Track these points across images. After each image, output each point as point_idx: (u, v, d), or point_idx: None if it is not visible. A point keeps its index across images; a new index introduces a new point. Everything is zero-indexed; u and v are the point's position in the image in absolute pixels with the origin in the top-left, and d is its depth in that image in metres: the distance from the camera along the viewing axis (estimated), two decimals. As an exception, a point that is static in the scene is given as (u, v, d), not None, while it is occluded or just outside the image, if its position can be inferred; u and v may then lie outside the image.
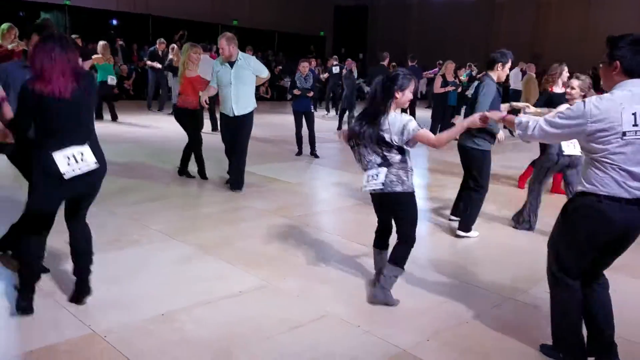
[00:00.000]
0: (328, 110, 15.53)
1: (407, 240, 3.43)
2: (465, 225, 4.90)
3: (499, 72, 4.74)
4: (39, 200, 3.03)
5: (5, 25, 5.55)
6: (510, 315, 3.42)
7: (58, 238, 3.94)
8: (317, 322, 3.20)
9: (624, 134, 2.45)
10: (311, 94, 8.32)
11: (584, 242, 2.66)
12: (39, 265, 3.25)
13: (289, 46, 21.34)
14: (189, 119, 6.40)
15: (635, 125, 2.44)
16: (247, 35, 21.62)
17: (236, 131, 5.91)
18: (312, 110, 8.43)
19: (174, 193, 5.89)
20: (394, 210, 3.49)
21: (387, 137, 3.27)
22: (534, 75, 12.38)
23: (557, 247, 2.78)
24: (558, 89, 5.63)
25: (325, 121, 13.43)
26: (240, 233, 4.73)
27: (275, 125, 12.07)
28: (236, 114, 5.84)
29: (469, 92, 4.96)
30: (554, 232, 2.83)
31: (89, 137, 3.05)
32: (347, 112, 11.51)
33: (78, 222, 3.26)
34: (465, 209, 4.96)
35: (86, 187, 3.12)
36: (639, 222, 2.58)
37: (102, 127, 8.16)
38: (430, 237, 4.99)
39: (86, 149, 3.01)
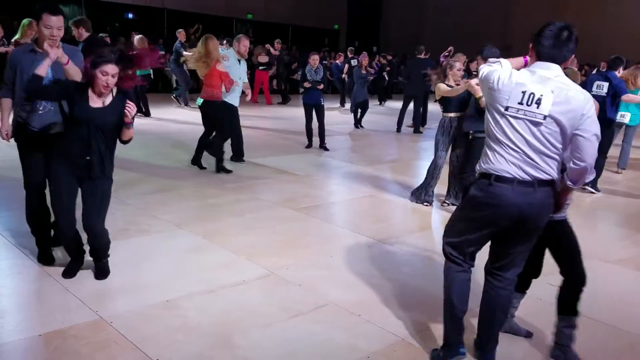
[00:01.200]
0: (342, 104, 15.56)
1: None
2: None
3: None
4: None
5: (25, 21, 5.62)
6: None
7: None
8: (318, 310, 3.24)
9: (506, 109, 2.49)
10: (321, 86, 8.34)
11: None
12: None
13: (303, 39, 21.33)
14: (220, 110, 6.48)
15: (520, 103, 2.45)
16: (261, 28, 21.70)
17: (234, 118, 6.87)
18: (322, 103, 8.45)
19: (184, 184, 5.96)
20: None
21: None
22: (575, 69, 12.24)
23: None
24: None
25: (340, 115, 13.44)
26: (246, 224, 4.79)
27: (286, 118, 12.11)
28: (237, 104, 6.80)
29: None
30: None
31: None
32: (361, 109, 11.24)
33: None
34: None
35: None
36: None
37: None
38: (429, 229, 5.00)
39: None
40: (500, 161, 2.52)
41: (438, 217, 5.34)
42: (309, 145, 8.54)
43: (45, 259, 3.70)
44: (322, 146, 8.47)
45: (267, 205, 5.38)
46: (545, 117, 2.42)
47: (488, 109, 2.61)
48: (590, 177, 2.61)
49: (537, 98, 2.42)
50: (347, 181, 6.76)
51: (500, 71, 2.56)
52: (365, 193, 6.09)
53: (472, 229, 2.65)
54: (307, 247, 4.30)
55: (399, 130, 10.98)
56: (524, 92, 2.45)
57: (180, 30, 13.21)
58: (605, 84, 6.60)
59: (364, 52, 12.85)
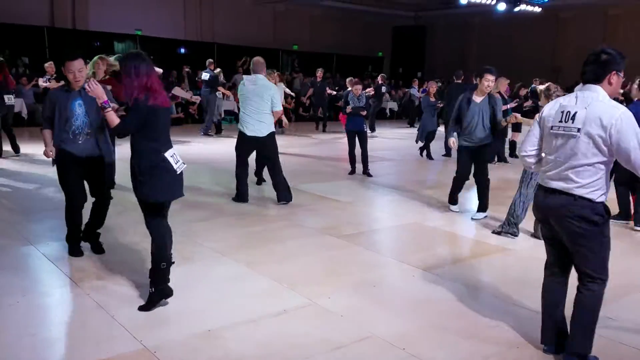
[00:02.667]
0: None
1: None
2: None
3: (480, 86, 5.91)
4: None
5: (96, 58, 6.02)
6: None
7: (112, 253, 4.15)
8: (360, 343, 3.16)
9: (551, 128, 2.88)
10: (364, 112, 8.35)
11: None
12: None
13: (347, 67, 21.55)
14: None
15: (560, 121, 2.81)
16: (306, 58, 22.10)
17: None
18: (365, 130, 8.44)
19: (226, 212, 6.04)
20: None
21: None
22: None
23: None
24: None
25: (380, 141, 13.40)
26: (288, 251, 4.78)
27: (329, 144, 12.17)
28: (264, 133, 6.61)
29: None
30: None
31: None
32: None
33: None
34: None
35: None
36: None
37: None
38: (475, 258, 4.83)
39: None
40: None
41: (486, 245, 5.17)
42: (352, 172, 8.52)
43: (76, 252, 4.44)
44: (366, 172, 8.43)
45: (310, 232, 5.36)
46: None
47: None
48: None
49: None
50: (391, 208, 6.67)
51: None
52: (409, 220, 5.98)
53: None
54: (349, 275, 4.23)
55: (447, 154, 10.82)
56: None
57: (211, 61, 13.75)
58: None
59: (432, 81, 12.40)
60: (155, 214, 3.56)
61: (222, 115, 14.89)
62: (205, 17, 21.31)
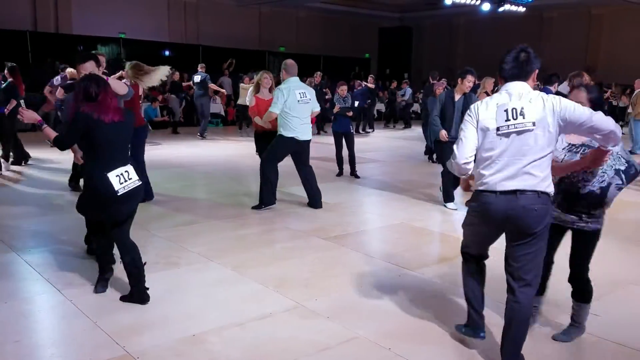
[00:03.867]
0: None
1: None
2: None
3: (460, 86, 6.24)
4: None
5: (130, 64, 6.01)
6: (551, 339, 3.26)
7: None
8: (346, 344, 3.15)
9: (498, 129, 2.70)
10: (350, 113, 8.37)
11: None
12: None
13: (334, 69, 21.57)
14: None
15: (507, 120, 2.68)
16: (294, 60, 22.02)
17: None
18: (352, 131, 8.45)
19: (213, 216, 6.00)
20: None
21: None
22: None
23: None
24: None
25: (370, 142, 13.42)
26: (275, 254, 4.76)
27: (315, 146, 12.14)
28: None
29: None
30: None
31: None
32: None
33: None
34: None
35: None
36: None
37: (151, 153, 8.43)
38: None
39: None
40: None
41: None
42: (340, 174, 8.51)
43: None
44: (353, 174, 8.43)
45: (297, 234, 5.34)
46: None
47: None
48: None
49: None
50: (379, 209, 6.68)
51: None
52: (396, 221, 5.99)
53: None
54: (336, 277, 4.22)
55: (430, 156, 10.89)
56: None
57: (202, 64, 13.80)
58: None
59: (442, 80, 12.12)
60: (96, 228, 3.67)
61: (209, 118, 14.82)
62: (189, 19, 21.23)
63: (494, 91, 7.77)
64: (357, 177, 8.38)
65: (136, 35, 18.62)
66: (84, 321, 3.37)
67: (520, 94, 2.70)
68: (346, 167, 8.49)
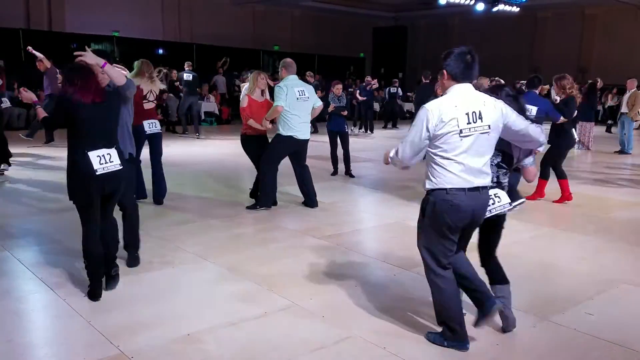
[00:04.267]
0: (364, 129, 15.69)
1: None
2: None
3: None
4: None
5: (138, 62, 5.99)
6: (546, 338, 3.27)
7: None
8: (341, 343, 3.15)
9: (460, 132, 2.80)
10: (345, 112, 8.37)
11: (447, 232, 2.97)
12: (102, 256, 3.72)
13: (329, 68, 21.57)
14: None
15: (469, 123, 2.81)
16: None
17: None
18: (347, 130, 8.45)
19: (207, 215, 5.98)
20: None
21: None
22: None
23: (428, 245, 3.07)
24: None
25: (364, 141, 13.43)
26: (270, 254, 4.75)
27: (310, 145, 12.13)
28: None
29: None
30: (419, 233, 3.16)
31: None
32: None
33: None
34: None
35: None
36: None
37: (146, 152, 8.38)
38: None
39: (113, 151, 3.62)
40: None
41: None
42: (335, 173, 8.51)
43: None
44: (348, 173, 8.43)
45: (291, 234, 5.34)
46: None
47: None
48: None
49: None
50: (373, 208, 6.69)
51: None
52: (391, 220, 6.00)
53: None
54: (330, 276, 4.22)
55: None
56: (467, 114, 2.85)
57: (189, 62, 13.76)
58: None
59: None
60: (80, 213, 3.64)
61: (203, 117, 14.79)
62: (183, 18, 21.17)
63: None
64: (352, 176, 8.39)
65: (130, 34, 18.54)
66: (78, 320, 3.36)
67: (474, 96, 2.89)
68: (341, 167, 8.49)
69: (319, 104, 6.30)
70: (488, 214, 3.08)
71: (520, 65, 21.97)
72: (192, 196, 6.97)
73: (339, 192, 7.43)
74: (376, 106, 20.40)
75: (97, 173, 3.48)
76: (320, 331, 3.29)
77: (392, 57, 24.73)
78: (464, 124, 2.81)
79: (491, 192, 3.09)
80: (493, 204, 3.10)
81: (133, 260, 4.32)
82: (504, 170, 3.24)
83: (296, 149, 6.19)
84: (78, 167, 3.51)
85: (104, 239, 3.72)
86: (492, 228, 3.29)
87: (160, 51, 19.36)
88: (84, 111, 3.46)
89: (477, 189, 2.89)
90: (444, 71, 2.95)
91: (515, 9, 19.81)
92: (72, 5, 18.13)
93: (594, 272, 4.42)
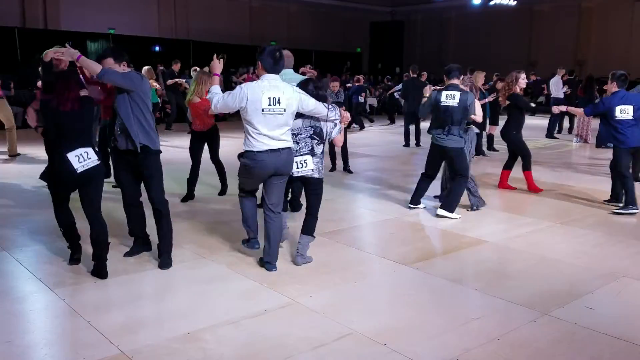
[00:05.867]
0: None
1: (317, 214, 4.45)
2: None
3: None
4: None
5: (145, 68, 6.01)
6: (546, 332, 3.28)
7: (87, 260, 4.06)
8: (341, 340, 3.15)
9: (262, 110, 3.88)
10: (343, 108, 8.32)
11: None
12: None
13: (326, 64, 21.52)
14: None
15: (269, 105, 3.88)
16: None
17: None
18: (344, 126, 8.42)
19: (205, 213, 5.97)
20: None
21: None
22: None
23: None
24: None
25: (361, 137, 13.41)
26: (269, 251, 4.74)
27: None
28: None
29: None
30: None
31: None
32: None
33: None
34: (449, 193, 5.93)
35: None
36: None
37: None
38: (455, 251, 4.85)
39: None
40: None
41: (464, 238, 5.19)
42: (333, 169, 8.50)
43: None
44: (346, 169, 8.42)
45: (290, 231, 5.32)
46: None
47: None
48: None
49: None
50: (372, 204, 6.67)
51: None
52: (390, 215, 5.99)
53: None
54: (330, 273, 4.22)
55: (407, 145, 11.67)
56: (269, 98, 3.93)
57: (177, 61, 13.65)
58: None
59: (465, 76, 12.15)
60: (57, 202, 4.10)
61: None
62: (179, 14, 21.10)
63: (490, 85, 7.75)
64: (350, 172, 8.38)
65: (126, 31, 18.47)
66: (77, 320, 3.35)
67: (276, 85, 3.92)
68: (339, 163, 8.48)
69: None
70: (296, 174, 4.24)
71: (518, 58, 21.96)
72: (182, 193, 6.92)
73: (337, 188, 7.41)
74: (373, 101, 20.43)
75: (78, 172, 3.85)
76: (321, 328, 3.28)
77: (389, 52, 24.70)
78: (266, 105, 3.86)
79: (301, 158, 4.23)
80: (300, 167, 4.23)
81: (164, 264, 4.30)
82: (317, 141, 4.30)
83: None
84: (59, 168, 3.87)
85: (94, 240, 4.01)
86: (307, 190, 4.44)
87: (157, 48, 19.29)
88: (62, 118, 3.81)
89: (277, 150, 3.96)
90: (259, 63, 3.94)
91: (512, 3, 19.81)
92: (67, 3, 18.05)
93: (593, 266, 4.42)
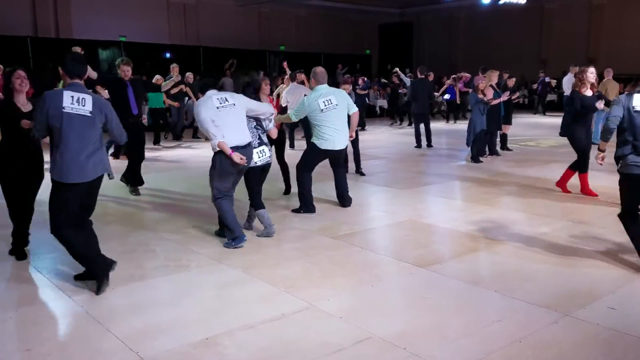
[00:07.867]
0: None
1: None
2: None
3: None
4: None
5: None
6: (569, 334, 3.22)
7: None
8: (360, 344, 3.12)
9: (217, 108, 4.70)
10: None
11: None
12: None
13: (336, 66, 21.50)
14: None
15: (221, 103, 4.72)
16: (294, 58, 22.03)
17: None
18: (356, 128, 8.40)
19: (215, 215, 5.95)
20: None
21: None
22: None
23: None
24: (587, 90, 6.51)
25: (373, 139, 13.37)
26: (284, 254, 4.73)
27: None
28: None
29: None
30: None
31: None
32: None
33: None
34: None
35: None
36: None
37: (151, 155, 8.40)
38: (472, 253, 4.81)
39: None
40: None
41: (481, 240, 5.14)
42: (345, 171, 8.45)
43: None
44: (358, 171, 8.39)
45: (305, 234, 5.31)
46: None
47: None
48: None
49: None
50: (386, 206, 6.64)
51: None
52: (404, 217, 5.95)
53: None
54: (347, 276, 4.19)
55: (419, 146, 11.56)
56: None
57: (175, 65, 13.19)
58: None
59: (479, 75, 11.69)
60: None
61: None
62: (189, 21, 21.22)
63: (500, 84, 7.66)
64: (362, 174, 8.35)
65: (137, 38, 18.60)
66: (96, 327, 3.36)
67: (230, 94, 4.83)
68: (351, 165, 8.44)
69: (354, 109, 6.28)
70: (260, 163, 5.02)
71: (528, 57, 21.80)
72: (200, 199, 6.92)
73: (350, 190, 7.37)
74: (384, 103, 20.38)
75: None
76: (339, 332, 3.26)
77: (399, 53, 24.63)
78: (219, 103, 4.65)
79: (260, 148, 5.00)
80: (260, 157, 5.00)
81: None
82: (261, 131, 5.12)
83: (330, 156, 6.23)
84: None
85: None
86: (263, 176, 5.27)
87: (168, 55, 19.39)
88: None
89: (247, 145, 4.76)
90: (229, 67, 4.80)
91: (522, 1, 19.65)
92: (78, 11, 18.22)
93: (613, 265, 4.36)
